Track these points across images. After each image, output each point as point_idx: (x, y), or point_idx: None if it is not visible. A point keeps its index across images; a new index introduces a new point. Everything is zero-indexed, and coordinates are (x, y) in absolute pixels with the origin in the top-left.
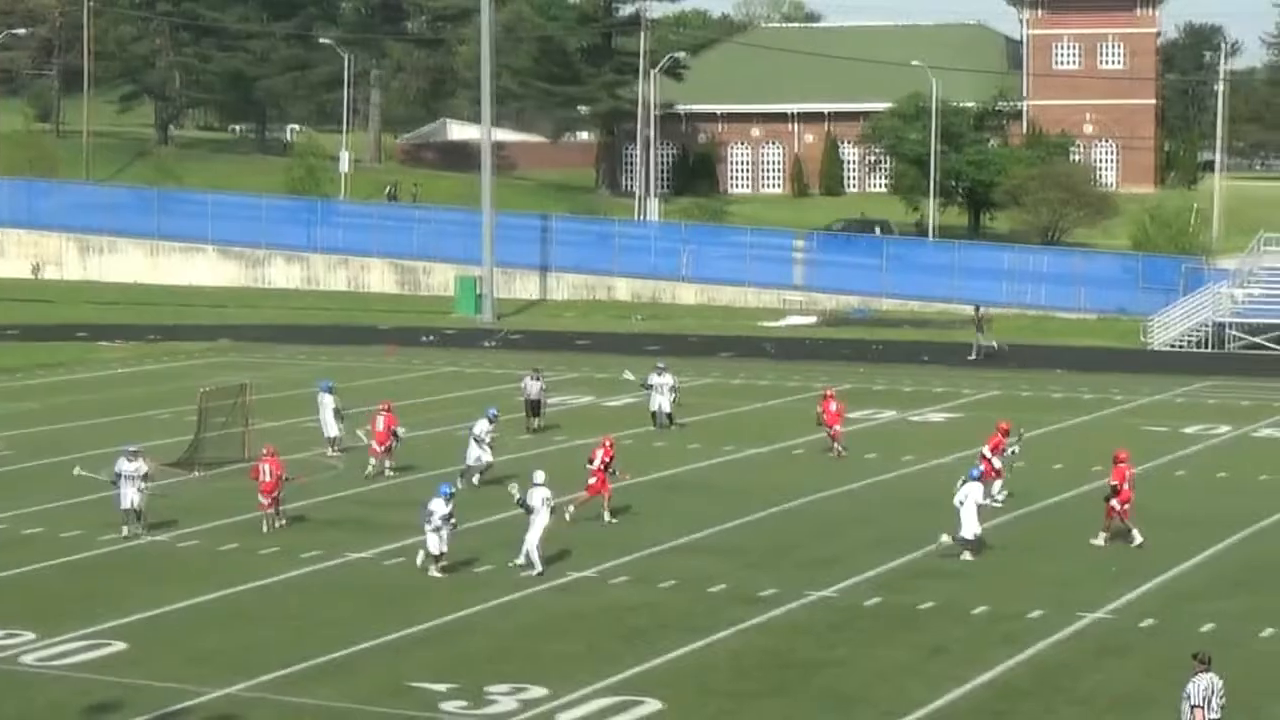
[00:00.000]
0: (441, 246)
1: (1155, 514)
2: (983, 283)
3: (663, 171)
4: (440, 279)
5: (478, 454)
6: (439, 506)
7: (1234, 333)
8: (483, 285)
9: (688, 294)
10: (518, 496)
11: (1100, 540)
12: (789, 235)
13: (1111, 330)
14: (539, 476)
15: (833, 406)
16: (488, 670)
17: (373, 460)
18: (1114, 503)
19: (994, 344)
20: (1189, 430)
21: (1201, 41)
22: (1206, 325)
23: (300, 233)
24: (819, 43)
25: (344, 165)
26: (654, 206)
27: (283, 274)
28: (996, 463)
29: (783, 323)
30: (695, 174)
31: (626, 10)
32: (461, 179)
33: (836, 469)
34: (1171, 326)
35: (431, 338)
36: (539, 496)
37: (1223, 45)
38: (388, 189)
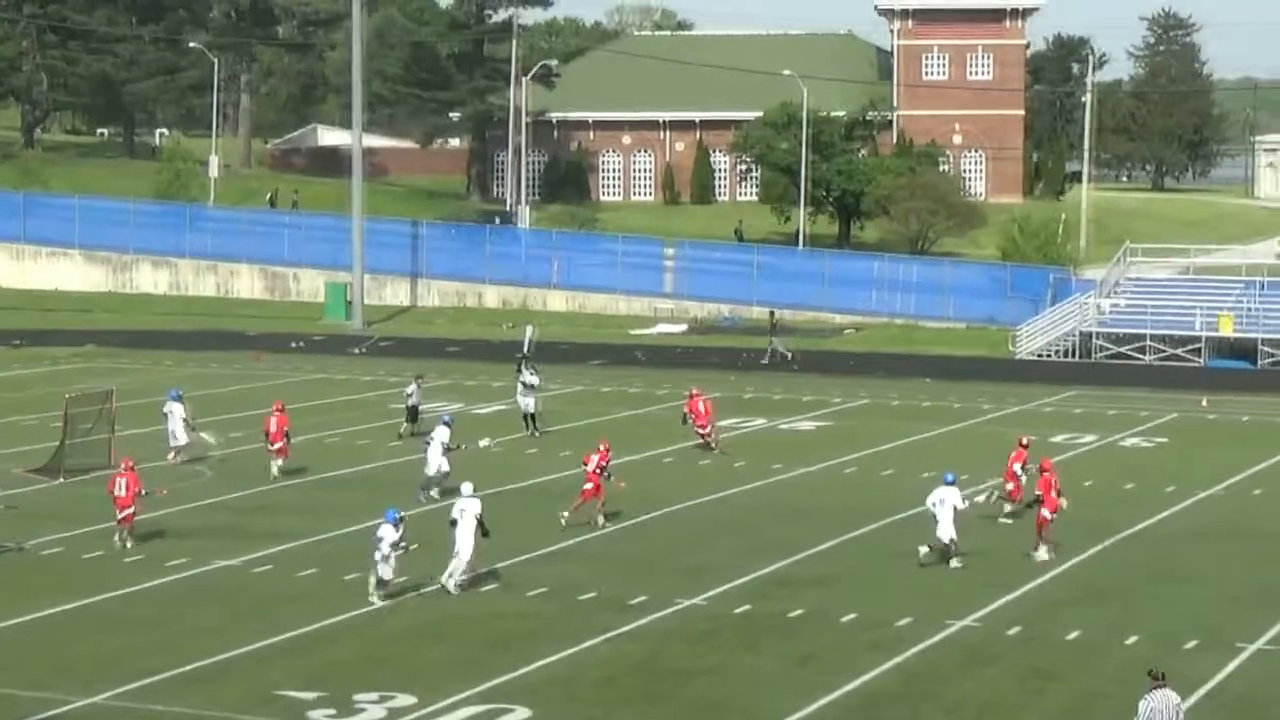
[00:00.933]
0: (311, 252)
1: (1022, 522)
2: (852, 291)
3: (533, 178)
4: (309, 285)
5: (439, 464)
6: (388, 533)
7: (1100, 343)
8: (352, 291)
9: (558, 301)
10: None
11: (1043, 553)
12: (659, 243)
13: (980, 340)
14: (466, 487)
15: (700, 406)
16: (356, 678)
17: (278, 462)
18: (1044, 512)
19: (786, 352)
20: (1056, 439)
21: (1069, 54)
22: (1073, 335)
23: (168, 238)
24: (690, 51)
25: (213, 170)
26: (525, 213)
27: (150, 279)
28: (1022, 477)
29: (653, 330)
30: (566, 181)
31: (498, 17)
32: (331, 184)
33: (706, 477)
34: (1038, 336)
35: (300, 344)
36: (458, 507)
37: (1090, 58)
38: (269, 196)
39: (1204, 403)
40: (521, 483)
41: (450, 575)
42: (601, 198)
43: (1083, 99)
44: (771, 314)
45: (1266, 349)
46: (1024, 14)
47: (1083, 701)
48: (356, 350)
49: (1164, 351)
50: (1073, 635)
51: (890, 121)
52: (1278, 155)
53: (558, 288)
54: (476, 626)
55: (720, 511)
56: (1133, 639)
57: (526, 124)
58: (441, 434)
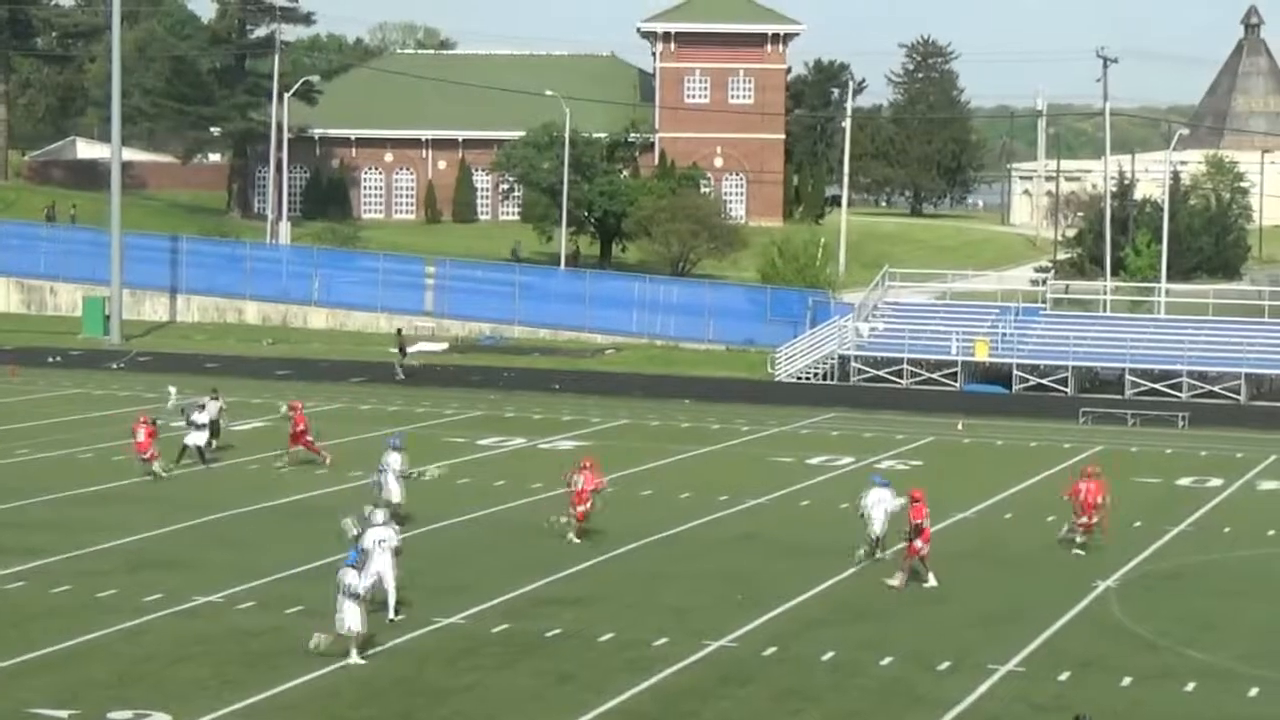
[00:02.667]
0: (68, 266)
1: (779, 543)
2: (613, 312)
3: (295, 195)
4: (67, 299)
5: (395, 491)
6: (354, 577)
7: (857, 365)
8: (110, 306)
9: (318, 318)
10: (354, 532)
11: (897, 581)
12: (420, 261)
13: (739, 361)
14: (378, 516)
15: (300, 426)
16: (110, 696)
17: (156, 464)
18: (917, 543)
19: (413, 364)
20: (813, 461)
21: (829, 79)
22: (832, 358)
23: None
24: (453, 70)
25: None
26: (285, 230)
27: None
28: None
29: (413, 349)
30: (327, 198)
31: (260, 32)
32: (90, 198)
33: (465, 495)
34: (797, 359)
35: (57, 359)
36: (373, 538)
37: (849, 83)
38: (45, 209)
39: (959, 426)
40: (276, 500)
41: (392, 609)
42: (363, 215)
43: (842, 124)
44: (399, 331)
45: (1020, 374)
46: (784, 39)
47: None
48: (115, 365)
49: (921, 375)
50: (829, 655)
51: (652, 143)
52: (1032, 182)
53: (319, 305)
54: (233, 644)
55: (479, 530)
56: (888, 659)
57: (287, 140)
58: (395, 460)
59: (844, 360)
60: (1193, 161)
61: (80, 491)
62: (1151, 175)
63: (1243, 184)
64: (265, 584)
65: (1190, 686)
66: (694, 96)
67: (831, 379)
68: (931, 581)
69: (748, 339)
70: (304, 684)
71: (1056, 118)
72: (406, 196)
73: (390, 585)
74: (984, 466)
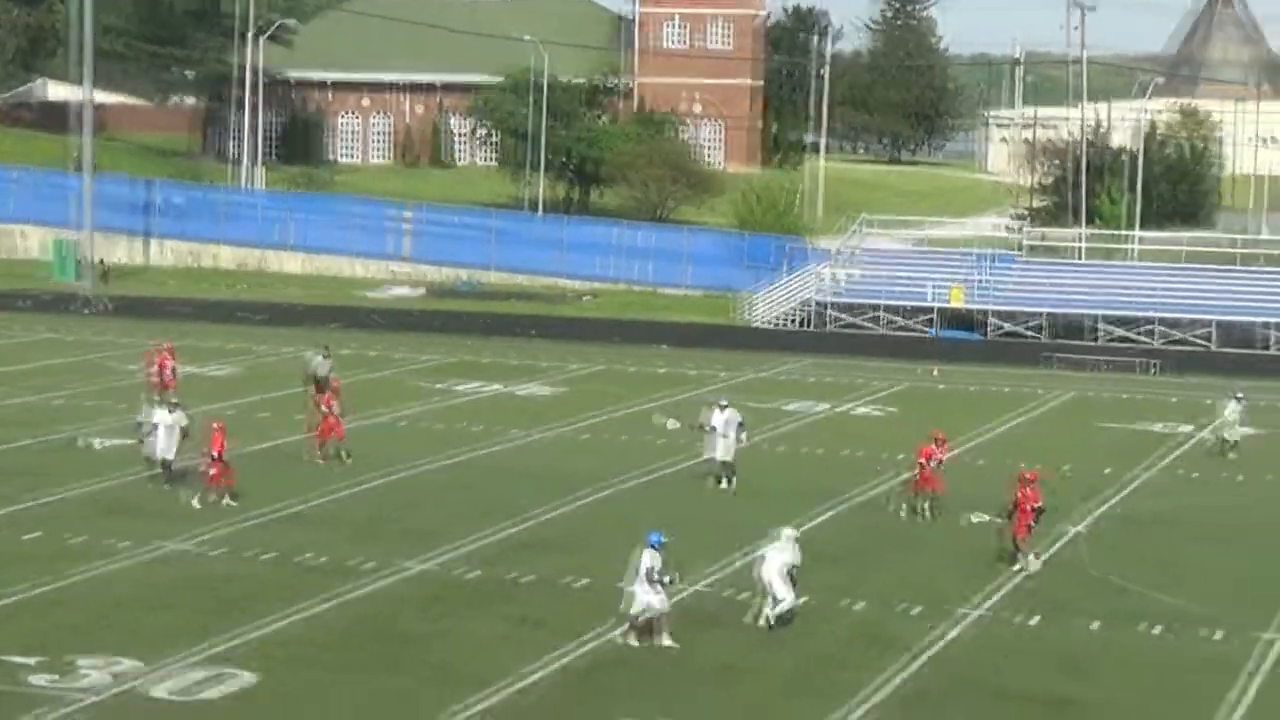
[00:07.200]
0: (37, 209)
1: (755, 488)
2: (590, 258)
3: (269, 139)
4: (37, 243)
5: (720, 449)
6: (652, 559)
7: (833, 313)
8: (81, 250)
9: (293, 263)
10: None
11: (1033, 565)
12: (397, 206)
13: (716, 307)
14: (786, 532)
15: (168, 365)
16: (78, 642)
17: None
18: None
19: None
20: (789, 407)
21: (806, 25)
22: (808, 305)
23: None
24: (429, 13)
25: None
26: (260, 174)
27: None
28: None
29: (388, 294)
30: (303, 143)
31: None
32: (61, 141)
33: (440, 441)
34: (774, 305)
35: (27, 303)
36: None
37: (827, 30)
38: (73, 160)
39: (935, 372)
40: (252, 446)
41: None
42: (339, 159)
43: (820, 71)
44: (101, 261)
45: (995, 320)
46: None
47: (810, 664)
48: (86, 310)
49: (896, 322)
50: (801, 600)
51: (629, 89)
52: (1009, 130)
53: (294, 249)
54: (204, 591)
55: (452, 475)
56: (861, 605)
57: (261, 83)
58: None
59: (820, 307)
60: (1166, 110)
61: (52, 437)
62: (1127, 124)
63: (1213, 133)
64: (235, 530)
65: (1158, 630)
66: (671, 42)
67: (807, 325)
68: (1019, 565)
69: (725, 285)
70: (273, 631)
71: (1034, 66)
72: (382, 141)
73: (777, 593)
74: (958, 412)
